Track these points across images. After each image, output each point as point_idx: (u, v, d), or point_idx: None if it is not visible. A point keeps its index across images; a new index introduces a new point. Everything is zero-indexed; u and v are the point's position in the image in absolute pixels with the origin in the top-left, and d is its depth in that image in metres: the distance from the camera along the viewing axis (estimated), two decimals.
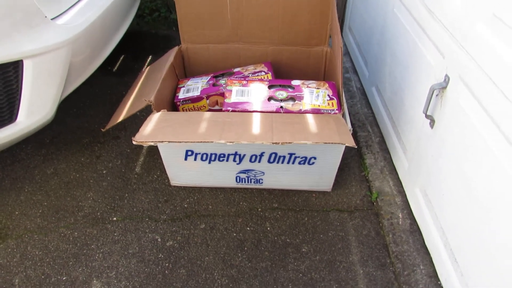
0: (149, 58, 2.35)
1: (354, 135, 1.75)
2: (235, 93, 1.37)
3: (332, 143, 1.09)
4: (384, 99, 1.71)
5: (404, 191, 1.47)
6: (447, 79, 1.14)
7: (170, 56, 1.58)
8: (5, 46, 1.08)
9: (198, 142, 1.09)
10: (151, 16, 2.69)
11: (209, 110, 1.54)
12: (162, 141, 1.11)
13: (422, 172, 1.32)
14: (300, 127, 1.17)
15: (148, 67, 1.71)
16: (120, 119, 1.36)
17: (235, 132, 1.15)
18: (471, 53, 1.01)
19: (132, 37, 2.54)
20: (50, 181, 1.55)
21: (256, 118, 1.22)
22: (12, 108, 1.17)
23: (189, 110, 1.54)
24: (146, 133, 1.15)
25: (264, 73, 1.55)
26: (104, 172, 1.59)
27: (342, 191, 1.50)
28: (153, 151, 1.67)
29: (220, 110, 1.54)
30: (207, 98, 1.51)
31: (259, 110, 1.30)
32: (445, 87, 1.15)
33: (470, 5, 1.01)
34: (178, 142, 1.10)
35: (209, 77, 1.60)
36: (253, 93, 1.36)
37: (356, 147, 1.09)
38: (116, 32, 1.71)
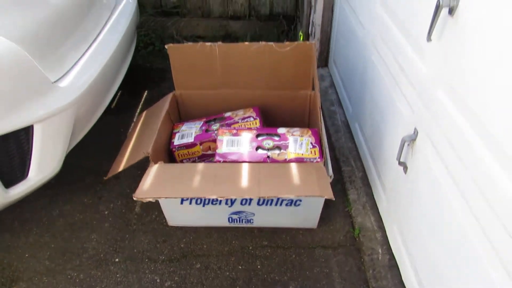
0: (145, 93, 2.47)
1: (339, 170, 1.87)
2: (226, 143, 1.49)
3: (312, 196, 1.22)
4: (365, 136, 1.84)
5: (384, 226, 1.60)
6: (416, 133, 1.27)
7: (165, 103, 1.71)
8: (18, 115, 1.20)
9: (192, 197, 1.21)
10: (146, 50, 2.81)
11: (203, 154, 1.66)
12: (160, 197, 1.23)
13: (399, 211, 1.45)
14: (285, 180, 1.30)
15: (144, 112, 1.83)
16: (120, 168, 1.48)
17: (225, 186, 1.27)
18: (434, 115, 1.14)
19: (127, 71, 2.66)
20: (56, 223, 1.66)
21: (245, 170, 1.35)
22: (23, 166, 1.28)
23: (184, 156, 1.66)
24: (146, 189, 1.27)
25: (252, 119, 1.67)
26: (106, 213, 1.71)
27: (327, 228, 1.63)
28: None
29: (213, 155, 1.66)
30: (201, 144, 1.63)
31: (247, 160, 1.43)
32: (414, 139, 1.28)
33: (432, 72, 1.14)
34: (174, 197, 1.22)
35: (202, 122, 1.73)
36: (242, 143, 1.49)
37: (334, 199, 1.22)
38: (117, 79, 1.84)
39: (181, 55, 1.70)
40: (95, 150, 2.01)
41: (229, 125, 1.67)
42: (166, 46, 1.66)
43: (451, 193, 1.06)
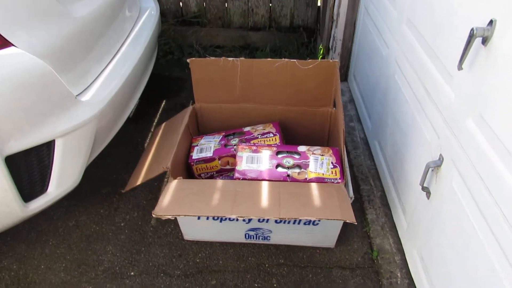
0: (163, 103, 2.47)
1: (357, 188, 1.85)
2: (245, 159, 1.48)
3: (334, 219, 1.19)
4: (385, 156, 1.81)
5: (403, 249, 1.56)
6: (441, 159, 1.24)
7: (185, 116, 1.70)
8: (41, 130, 1.20)
9: (212, 216, 1.20)
10: (165, 59, 2.82)
11: (221, 169, 1.65)
12: (180, 215, 1.22)
13: (419, 235, 1.42)
14: (305, 200, 1.28)
15: (163, 124, 1.83)
16: (139, 182, 1.48)
17: (245, 205, 1.26)
18: (462, 143, 1.11)
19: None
20: (72, 234, 1.66)
21: (265, 189, 1.33)
22: (43, 181, 1.29)
23: (202, 170, 1.65)
24: (165, 206, 1.26)
25: (272, 135, 1.66)
26: (122, 224, 1.70)
27: (344, 248, 1.60)
28: None
29: (231, 170, 1.65)
30: (219, 159, 1.62)
31: (267, 178, 1.41)
32: (439, 166, 1.25)
33: (462, 101, 1.11)
34: (194, 216, 1.21)
35: (221, 136, 1.72)
36: (262, 160, 1.47)
37: (356, 223, 1.19)
38: (137, 90, 1.84)
39: (203, 69, 1.70)
40: (112, 160, 2.01)
41: (248, 140, 1.66)
42: (188, 60, 1.66)
43: (478, 225, 1.03)
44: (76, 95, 1.36)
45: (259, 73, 1.68)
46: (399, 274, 1.48)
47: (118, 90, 1.53)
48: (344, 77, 2.57)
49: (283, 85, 1.70)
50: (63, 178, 1.33)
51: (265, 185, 1.36)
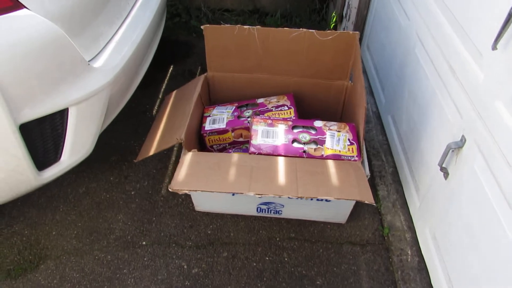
0: (171, 68, 2.41)
1: (369, 163, 1.83)
2: (261, 133, 1.45)
3: (352, 199, 1.18)
4: (399, 132, 1.78)
5: (414, 227, 1.57)
6: (463, 140, 1.22)
7: (197, 86, 1.66)
8: (55, 98, 1.16)
9: (229, 192, 1.19)
10: (172, 21, 2.73)
11: (234, 141, 1.62)
12: (197, 190, 1.21)
13: (433, 215, 1.42)
14: (323, 178, 1.26)
15: (174, 93, 1.79)
16: (151, 152, 1.45)
17: (262, 182, 1.24)
18: (489, 125, 1.08)
19: None
20: (83, 201, 1.66)
21: (281, 165, 1.31)
22: (57, 149, 1.26)
23: (215, 141, 1.62)
24: (181, 180, 1.24)
25: (287, 108, 1.62)
26: (132, 193, 1.69)
27: (355, 223, 1.61)
28: None
29: (244, 142, 1.63)
30: (232, 131, 1.59)
31: (283, 153, 1.39)
32: (461, 147, 1.23)
33: (492, 82, 1.07)
34: (211, 191, 1.20)
35: (234, 107, 1.68)
36: (278, 135, 1.45)
37: (374, 204, 1.19)
38: (149, 55, 1.78)
39: (217, 36, 1.63)
40: (121, 126, 1.98)
41: (262, 112, 1.62)
42: (202, 27, 1.60)
43: (500, 209, 1.02)
44: (89, 61, 1.31)
45: (275, 43, 1.62)
46: (409, 252, 1.49)
47: (131, 56, 1.48)
48: None
49: (299, 56, 1.65)
50: (76, 146, 1.31)
51: (281, 161, 1.33)
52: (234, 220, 1.60)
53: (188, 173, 1.27)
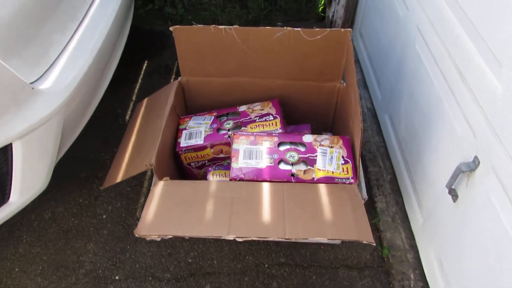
0: (145, 64, 2.19)
1: (365, 170, 1.67)
2: (243, 154, 1.27)
3: (349, 240, 1.02)
4: (398, 136, 1.61)
5: (416, 246, 1.42)
6: (476, 162, 1.05)
7: (170, 95, 1.46)
8: None
9: (205, 237, 1.02)
10: (144, 9, 2.47)
11: (213, 158, 1.44)
12: (167, 235, 1.04)
13: (438, 237, 1.27)
14: (314, 211, 1.10)
15: (145, 101, 1.58)
16: (118, 179, 1.27)
17: (244, 219, 1.07)
18: (508, 148, 0.91)
19: None
20: (49, 229, 1.48)
21: (266, 194, 1.14)
22: (3, 190, 1.08)
23: (192, 159, 1.44)
24: (149, 222, 1.07)
25: (272, 117, 1.43)
26: (104, 217, 1.52)
27: (351, 243, 1.46)
28: None
29: (225, 158, 1.45)
30: (211, 147, 1.41)
31: (268, 178, 1.22)
32: (473, 170, 1.06)
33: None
34: (184, 236, 1.03)
35: (213, 117, 1.49)
36: (262, 155, 1.27)
37: (374, 244, 1.03)
38: (115, 57, 1.57)
39: (189, 38, 1.42)
40: (90, 136, 1.78)
41: (244, 124, 1.44)
42: (171, 29, 1.38)
43: None
44: (33, 82, 1.10)
45: (256, 44, 1.41)
46: (412, 276, 1.35)
47: (90, 66, 1.27)
48: None
49: (284, 57, 1.44)
50: (27, 184, 1.12)
51: (266, 189, 1.16)
52: (217, 244, 1.45)
53: (158, 212, 1.10)
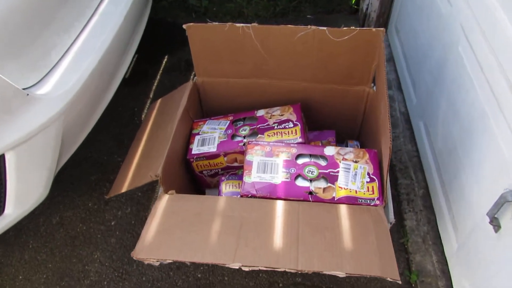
0: (165, 59, 2.10)
1: (394, 181, 1.52)
2: (256, 167, 1.15)
3: (371, 275, 0.89)
4: (433, 147, 1.45)
5: (449, 273, 1.27)
6: None
7: (183, 97, 1.35)
8: None
9: (208, 263, 0.92)
10: (167, 0, 2.37)
11: (227, 166, 1.33)
12: (166, 260, 0.94)
13: (475, 267, 1.12)
14: (332, 237, 0.97)
15: (159, 102, 1.49)
16: (123, 189, 1.19)
17: (252, 245, 0.96)
18: None
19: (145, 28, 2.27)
20: (56, 234, 1.43)
21: (279, 215, 1.02)
22: None
23: (204, 167, 1.34)
24: (148, 243, 0.97)
25: (292, 125, 1.31)
26: (112, 223, 1.45)
27: None
28: None
29: (240, 167, 1.34)
30: (225, 155, 1.30)
31: (283, 196, 1.10)
32: None
33: None
34: (185, 261, 0.93)
35: (228, 122, 1.38)
36: (277, 169, 1.15)
37: (399, 282, 0.90)
38: (127, 56, 1.48)
39: (204, 37, 1.31)
40: (103, 136, 1.72)
41: (261, 131, 1.32)
42: (184, 26, 1.27)
43: None
44: (30, 88, 1.02)
45: (277, 43, 1.28)
46: None
47: (96, 67, 1.18)
48: (383, 26, 2.10)
49: (307, 57, 1.31)
50: (23, 196, 1.05)
51: (280, 208, 1.04)
52: None
53: (159, 231, 1.00)
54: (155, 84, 1.96)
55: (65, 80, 1.09)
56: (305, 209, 1.05)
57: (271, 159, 1.17)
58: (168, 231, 1.01)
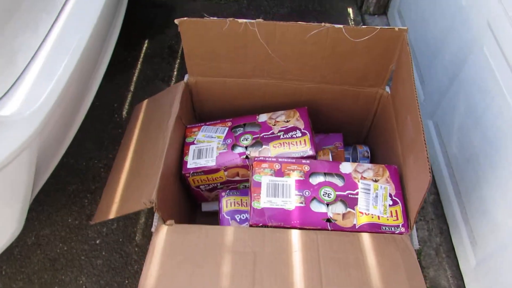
0: (145, 45, 1.88)
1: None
2: (266, 190, 1.02)
3: None
4: (446, 150, 1.35)
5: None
6: None
7: (174, 101, 1.18)
8: None
9: None
10: None
11: (227, 180, 1.19)
12: None
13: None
14: (359, 277, 0.86)
15: (145, 104, 1.31)
16: (111, 215, 1.03)
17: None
18: None
19: None
20: (32, 257, 1.27)
21: (297, 249, 0.90)
22: None
23: (202, 182, 1.19)
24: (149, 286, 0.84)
25: (300, 134, 1.17)
26: (97, 242, 1.30)
27: None
28: None
29: (241, 181, 1.20)
30: (225, 170, 1.15)
31: (299, 225, 0.97)
32: None
33: None
34: None
35: (226, 129, 1.23)
36: (290, 191, 1.01)
37: None
38: (106, 51, 1.28)
39: (199, 34, 1.13)
40: (80, 138, 1.52)
41: (265, 140, 1.17)
42: (176, 21, 1.08)
43: None
44: None
45: (284, 41, 1.12)
46: None
47: (74, 70, 0.99)
48: (383, 9, 1.95)
49: (318, 56, 1.16)
50: None
51: (296, 240, 0.92)
52: None
53: (161, 275, 0.86)
54: (136, 74, 1.75)
55: (36, 92, 0.90)
56: (324, 240, 0.93)
57: (282, 180, 1.04)
58: (171, 275, 0.87)
